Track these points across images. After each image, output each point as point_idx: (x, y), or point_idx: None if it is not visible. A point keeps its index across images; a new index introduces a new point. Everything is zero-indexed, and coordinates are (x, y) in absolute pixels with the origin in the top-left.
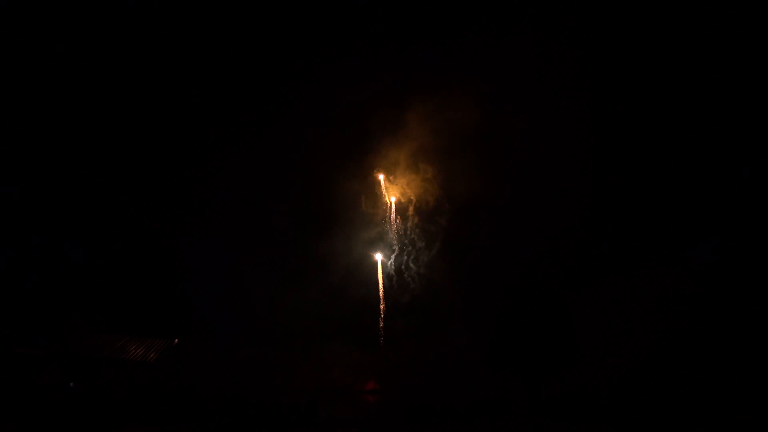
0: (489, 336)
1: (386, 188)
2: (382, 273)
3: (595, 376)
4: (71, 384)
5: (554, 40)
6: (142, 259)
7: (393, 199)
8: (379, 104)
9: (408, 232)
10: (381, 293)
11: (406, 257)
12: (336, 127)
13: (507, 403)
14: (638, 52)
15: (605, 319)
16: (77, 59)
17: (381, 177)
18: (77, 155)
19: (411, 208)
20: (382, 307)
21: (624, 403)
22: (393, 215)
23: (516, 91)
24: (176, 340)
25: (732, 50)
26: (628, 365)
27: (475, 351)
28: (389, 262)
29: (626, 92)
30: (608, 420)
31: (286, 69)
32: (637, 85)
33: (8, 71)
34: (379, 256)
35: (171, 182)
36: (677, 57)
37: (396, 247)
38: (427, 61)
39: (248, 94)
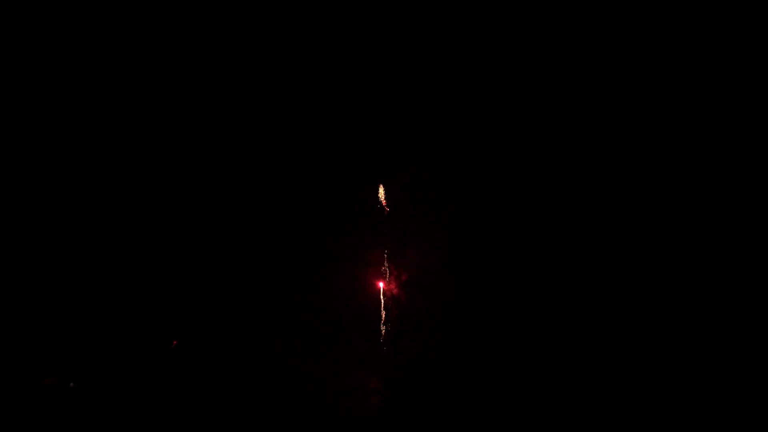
0: (489, 334)
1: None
2: (384, 271)
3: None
4: (71, 384)
5: None
6: (142, 258)
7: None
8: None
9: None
10: (382, 288)
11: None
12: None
13: (507, 402)
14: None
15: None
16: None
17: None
18: (78, 156)
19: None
20: (383, 305)
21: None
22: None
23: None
24: (176, 341)
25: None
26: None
27: (475, 349)
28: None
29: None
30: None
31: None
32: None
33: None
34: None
35: (171, 180)
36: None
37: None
38: None
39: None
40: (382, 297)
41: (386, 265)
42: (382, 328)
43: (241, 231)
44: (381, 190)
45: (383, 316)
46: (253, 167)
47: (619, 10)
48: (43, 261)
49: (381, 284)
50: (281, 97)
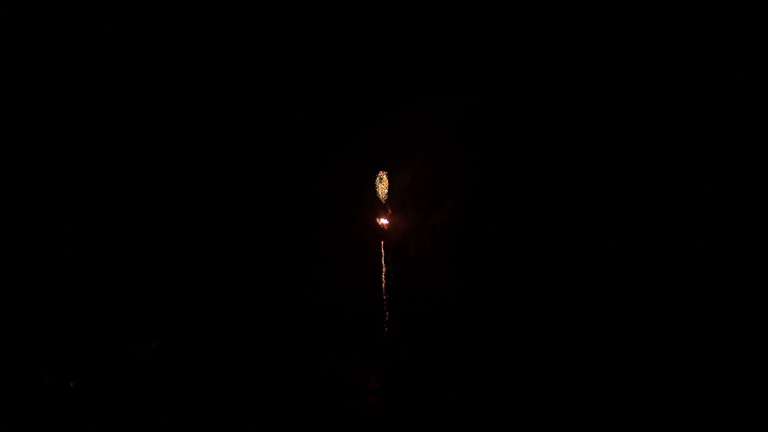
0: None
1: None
2: (384, 270)
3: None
4: (71, 384)
5: None
6: (139, 257)
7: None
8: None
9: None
10: (383, 287)
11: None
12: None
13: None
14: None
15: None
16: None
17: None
18: (77, 155)
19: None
20: (383, 305)
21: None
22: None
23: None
24: (176, 340)
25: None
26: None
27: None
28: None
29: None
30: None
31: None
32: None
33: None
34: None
35: (171, 180)
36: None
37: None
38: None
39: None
40: (382, 296)
41: (387, 265)
42: (382, 328)
43: (241, 231)
44: (382, 190)
45: (383, 316)
46: (253, 165)
47: (621, 11)
48: (44, 261)
49: (381, 283)
50: (283, 94)
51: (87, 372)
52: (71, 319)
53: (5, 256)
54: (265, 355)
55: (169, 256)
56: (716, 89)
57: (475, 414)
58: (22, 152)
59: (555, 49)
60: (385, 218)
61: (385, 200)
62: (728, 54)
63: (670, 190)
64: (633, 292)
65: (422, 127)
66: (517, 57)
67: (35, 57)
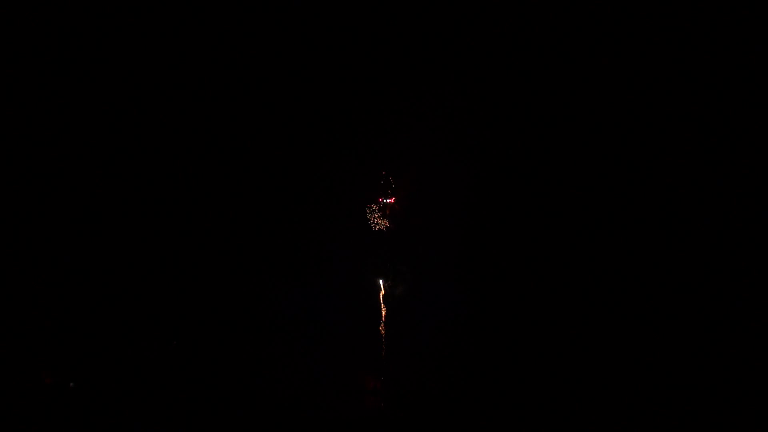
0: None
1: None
2: (385, 270)
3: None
4: (71, 384)
5: None
6: (142, 258)
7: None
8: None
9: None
10: (383, 287)
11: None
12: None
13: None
14: None
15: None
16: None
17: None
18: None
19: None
20: (384, 305)
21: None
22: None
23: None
24: (175, 342)
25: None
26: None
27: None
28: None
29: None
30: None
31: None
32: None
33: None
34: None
35: (172, 179)
36: None
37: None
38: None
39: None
40: (382, 297)
41: (388, 263)
42: (382, 328)
43: (241, 229)
44: (386, 191)
45: (383, 316)
46: (254, 163)
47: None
48: (43, 261)
49: (382, 283)
50: (288, 93)
51: (87, 372)
52: (71, 319)
53: (5, 256)
54: (263, 356)
55: (169, 256)
56: (716, 89)
57: (476, 415)
58: (22, 152)
59: (561, 48)
60: (388, 219)
61: (388, 201)
62: (728, 54)
63: (679, 192)
64: (637, 291)
65: (427, 128)
66: (522, 56)
67: (34, 56)
